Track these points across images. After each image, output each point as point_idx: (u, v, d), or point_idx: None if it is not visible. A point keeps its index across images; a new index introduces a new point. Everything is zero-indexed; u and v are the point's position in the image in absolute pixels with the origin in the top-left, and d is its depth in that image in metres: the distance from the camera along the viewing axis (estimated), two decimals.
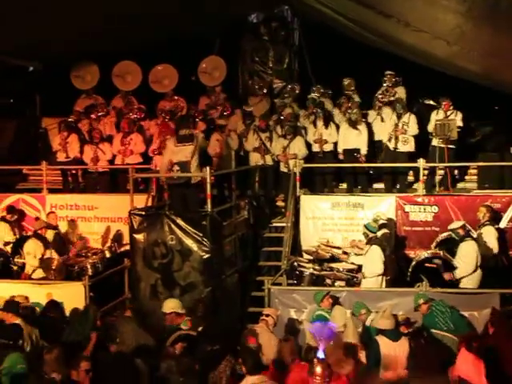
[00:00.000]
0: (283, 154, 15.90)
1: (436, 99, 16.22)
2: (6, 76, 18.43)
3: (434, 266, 12.62)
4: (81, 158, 16.98)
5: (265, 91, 19.10)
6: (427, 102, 16.85)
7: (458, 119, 15.46)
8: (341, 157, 16.05)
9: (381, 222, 13.15)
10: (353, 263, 12.89)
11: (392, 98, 16.40)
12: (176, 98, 18.45)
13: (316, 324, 10.41)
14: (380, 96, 16.48)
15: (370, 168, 16.24)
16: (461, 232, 12.59)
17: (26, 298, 12.17)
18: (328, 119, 16.32)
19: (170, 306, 11.35)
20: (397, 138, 15.62)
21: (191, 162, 13.45)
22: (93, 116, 17.83)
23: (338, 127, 16.24)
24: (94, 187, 16.81)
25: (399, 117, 15.68)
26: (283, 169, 16.01)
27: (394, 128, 15.65)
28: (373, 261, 12.36)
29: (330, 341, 9.44)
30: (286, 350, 9.52)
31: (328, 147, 16.16)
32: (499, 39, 12.57)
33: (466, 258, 12.26)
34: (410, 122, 15.66)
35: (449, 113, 15.60)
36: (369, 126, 16.31)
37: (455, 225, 12.81)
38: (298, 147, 15.86)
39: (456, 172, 15.65)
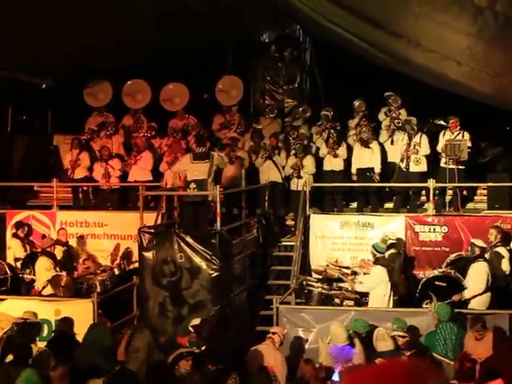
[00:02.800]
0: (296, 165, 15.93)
1: (446, 119, 16.15)
2: (18, 92, 18.59)
3: (444, 284, 12.58)
4: (91, 176, 17.06)
5: (275, 113, 19.05)
6: (438, 122, 16.77)
7: (466, 139, 15.41)
8: (354, 178, 16.07)
9: (389, 242, 13.12)
10: (361, 282, 12.83)
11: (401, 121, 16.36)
12: (187, 116, 18.52)
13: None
14: (396, 121, 16.34)
15: (385, 187, 16.22)
16: (477, 251, 12.49)
17: (34, 314, 11.88)
18: (340, 138, 16.34)
19: None
20: (408, 158, 15.62)
21: (208, 180, 13.58)
22: (102, 134, 17.88)
23: (349, 147, 16.27)
24: (105, 204, 16.87)
25: (410, 137, 15.69)
26: (293, 187, 16.02)
27: (405, 148, 15.65)
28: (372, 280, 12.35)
29: (346, 364, 9.43)
30: (308, 372, 9.46)
31: (339, 166, 16.18)
32: (510, 60, 12.58)
33: (477, 278, 12.19)
34: (422, 142, 15.67)
35: (456, 133, 15.58)
36: (381, 145, 16.31)
37: (478, 242, 12.65)
38: (307, 165, 15.92)
39: (465, 192, 15.54)
